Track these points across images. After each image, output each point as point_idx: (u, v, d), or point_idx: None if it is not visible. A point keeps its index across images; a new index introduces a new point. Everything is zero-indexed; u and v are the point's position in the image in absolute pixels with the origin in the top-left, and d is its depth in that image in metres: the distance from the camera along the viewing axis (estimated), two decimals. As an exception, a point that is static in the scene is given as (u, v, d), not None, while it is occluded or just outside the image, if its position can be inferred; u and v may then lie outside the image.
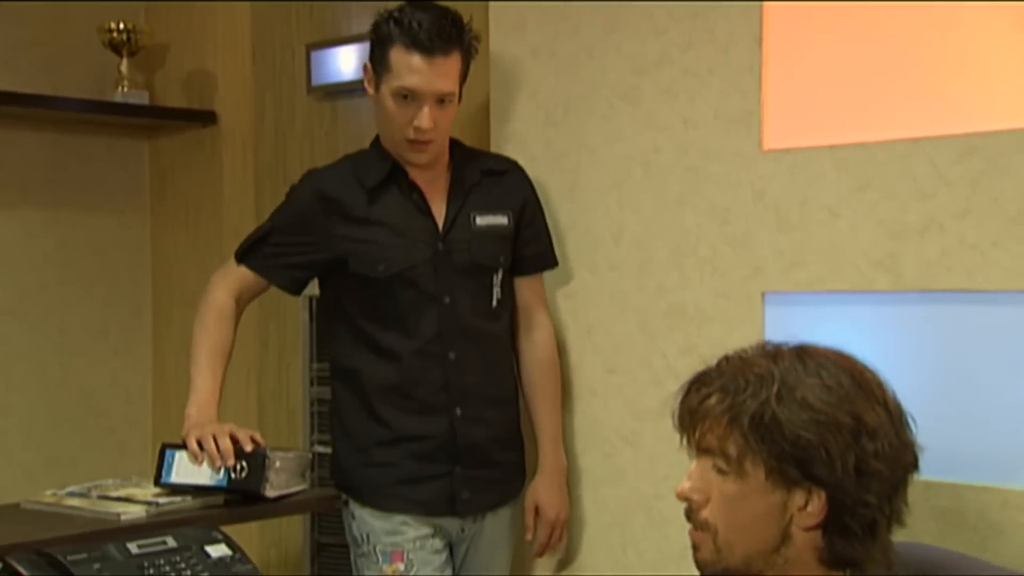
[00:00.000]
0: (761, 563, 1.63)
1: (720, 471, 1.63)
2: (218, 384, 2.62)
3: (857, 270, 2.46)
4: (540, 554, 2.75)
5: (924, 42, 2.44)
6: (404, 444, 2.63)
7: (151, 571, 2.21)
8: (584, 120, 2.87)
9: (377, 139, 2.71)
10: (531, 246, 2.70)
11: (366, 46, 3.15)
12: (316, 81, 3.53)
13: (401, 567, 2.58)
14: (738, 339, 2.54)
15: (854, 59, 2.54)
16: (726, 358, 1.70)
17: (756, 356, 1.68)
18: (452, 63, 2.49)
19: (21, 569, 2.18)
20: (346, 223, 2.61)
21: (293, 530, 3.42)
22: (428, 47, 2.43)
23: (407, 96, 2.48)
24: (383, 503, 2.63)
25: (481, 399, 2.65)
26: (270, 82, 3.74)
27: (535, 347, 2.74)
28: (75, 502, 2.60)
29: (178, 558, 2.25)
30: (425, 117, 2.48)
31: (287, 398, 3.63)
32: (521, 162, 2.91)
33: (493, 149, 3.02)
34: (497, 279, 2.64)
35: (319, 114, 3.63)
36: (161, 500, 2.54)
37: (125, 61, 3.72)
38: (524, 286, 2.74)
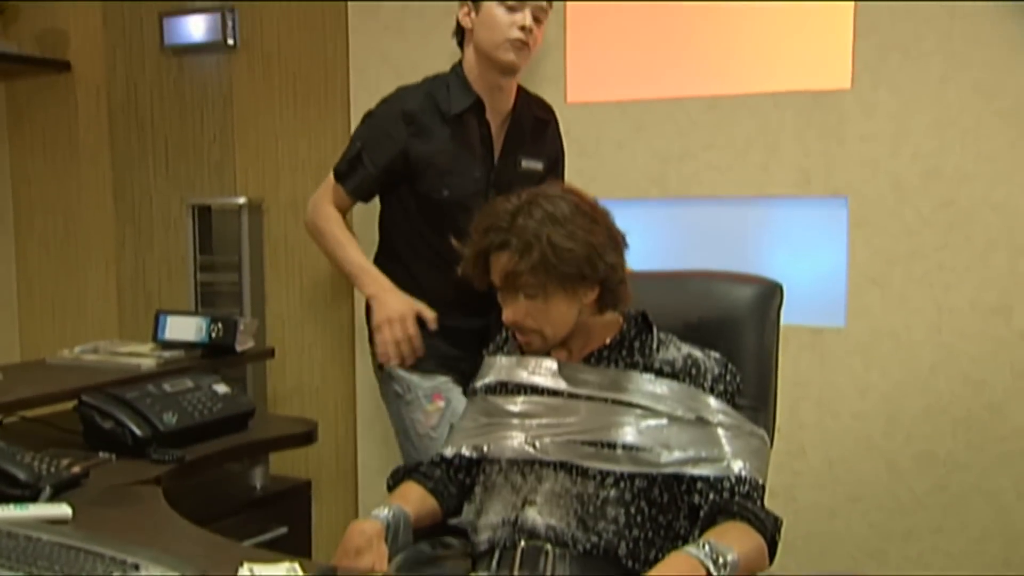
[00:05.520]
0: (571, 337, 2.21)
1: (530, 297, 2.14)
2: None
3: (636, 184, 3.37)
4: None
5: (689, 19, 3.30)
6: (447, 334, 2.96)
7: (185, 403, 2.78)
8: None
9: (459, 68, 2.98)
10: None
11: (212, 15, 3.91)
12: (168, 42, 4.13)
13: (441, 404, 2.92)
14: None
15: (633, 34, 3.36)
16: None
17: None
18: None
19: (98, 404, 2.69)
20: (422, 144, 2.90)
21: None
22: None
23: (511, 8, 2.83)
24: (425, 366, 2.95)
25: None
26: (120, 40, 4.29)
27: None
28: (93, 357, 3.18)
29: (200, 393, 2.84)
30: (527, 18, 2.83)
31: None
32: (371, 61, 3.66)
33: (352, 47, 3.76)
34: None
35: (168, 67, 4.24)
36: (164, 354, 3.17)
37: (-8, 18, 4.19)
38: None
